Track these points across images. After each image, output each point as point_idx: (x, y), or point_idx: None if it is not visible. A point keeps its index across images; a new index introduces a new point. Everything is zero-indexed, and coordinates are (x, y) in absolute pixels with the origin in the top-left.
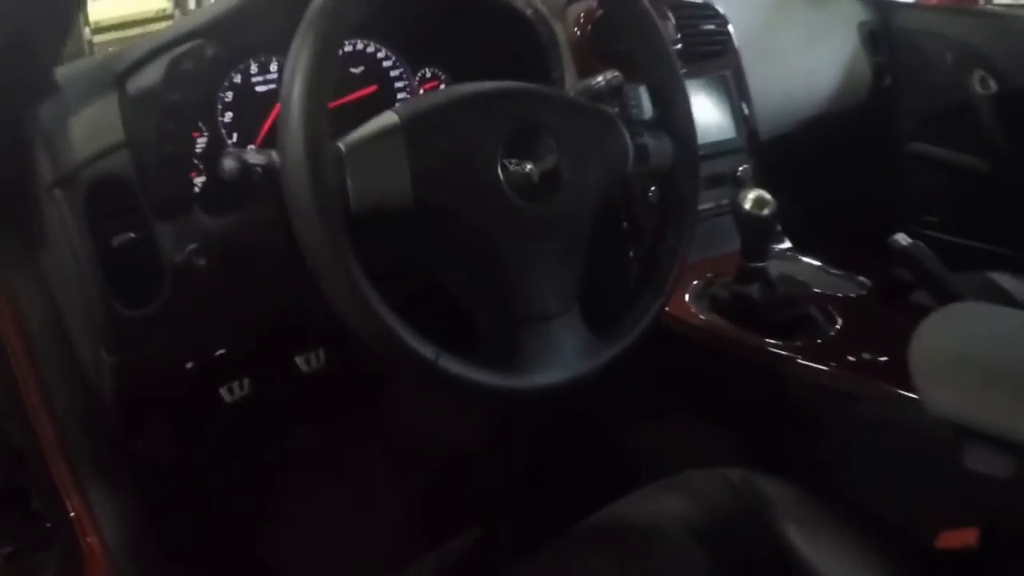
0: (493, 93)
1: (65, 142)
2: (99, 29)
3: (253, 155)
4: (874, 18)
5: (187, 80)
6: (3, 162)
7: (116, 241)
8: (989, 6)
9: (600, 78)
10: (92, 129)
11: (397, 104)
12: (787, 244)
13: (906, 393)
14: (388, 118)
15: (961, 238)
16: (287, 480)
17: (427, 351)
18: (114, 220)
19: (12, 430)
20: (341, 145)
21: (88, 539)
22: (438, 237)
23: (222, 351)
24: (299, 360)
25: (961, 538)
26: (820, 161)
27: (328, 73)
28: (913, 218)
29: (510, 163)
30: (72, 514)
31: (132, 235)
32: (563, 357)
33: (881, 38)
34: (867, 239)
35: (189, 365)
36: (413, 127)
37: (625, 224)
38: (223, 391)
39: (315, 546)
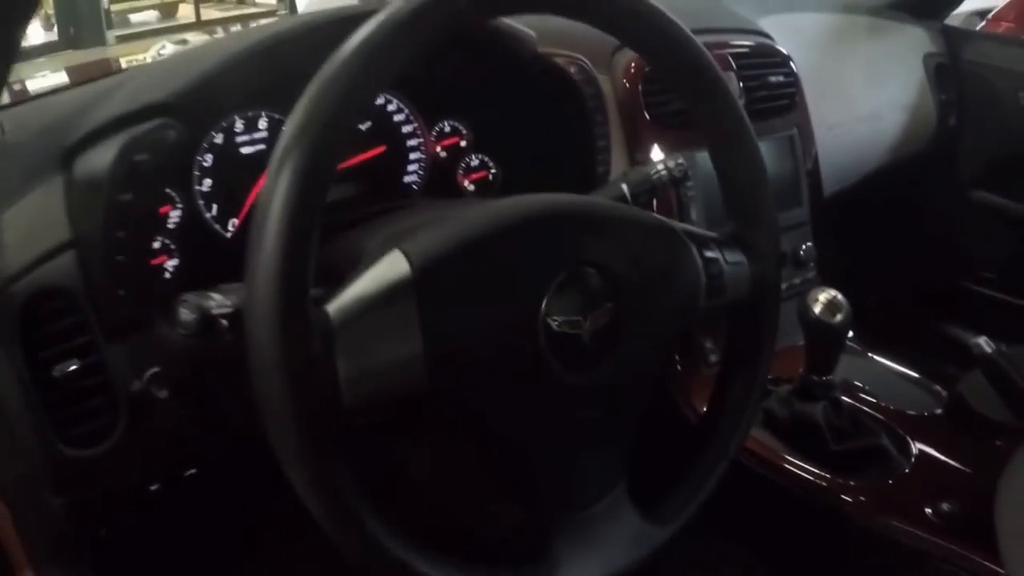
0: (532, 220)
1: None
2: None
3: (217, 303)
4: (942, 50)
5: (142, 175)
6: None
7: (58, 371)
8: None
9: (661, 166)
10: (30, 225)
11: (404, 240)
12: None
13: (991, 565)
14: (395, 266)
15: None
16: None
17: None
18: (55, 344)
19: None
20: (330, 313)
21: None
22: (454, 422)
23: (192, 471)
24: None
25: None
26: (880, 220)
27: (318, 205)
28: (971, 275)
29: (554, 321)
30: None
31: (77, 364)
32: (603, 550)
33: (948, 72)
34: (931, 309)
35: (154, 487)
36: (428, 280)
37: (679, 366)
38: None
39: None
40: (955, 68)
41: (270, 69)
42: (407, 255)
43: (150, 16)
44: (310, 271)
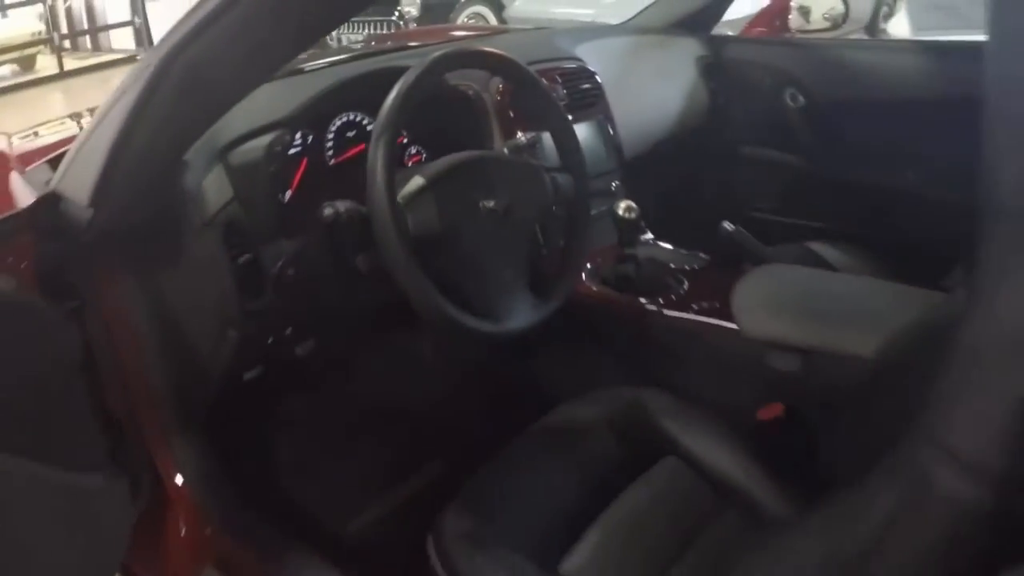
0: (472, 160)
1: (202, 200)
2: None
3: (340, 205)
4: (709, 52)
5: (278, 156)
6: (167, 209)
7: (240, 260)
8: (797, 36)
9: (521, 137)
10: (214, 190)
11: (423, 168)
12: (650, 236)
13: (731, 326)
14: (417, 181)
15: (784, 217)
16: (296, 433)
17: (456, 314)
18: (237, 247)
19: (112, 400)
20: (399, 199)
21: (173, 482)
22: (450, 248)
23: (289, 329)
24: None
25: (772, 412)
26: (672, 170)
27: (393, 157)
28: (747, 205)
29: (484, 204)
30: (159, 464)
31: (248, 256)
32: (522, 311)
33: (715, 68)
34: (708, 225)
35: (270, 340)
36: (435, 185)
37: (544, 251)
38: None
39: (317, 480)
40: (719, 64)
41: (316, 104)
42: (423, 175)
43: (5, 71)
44: (395, 185)
